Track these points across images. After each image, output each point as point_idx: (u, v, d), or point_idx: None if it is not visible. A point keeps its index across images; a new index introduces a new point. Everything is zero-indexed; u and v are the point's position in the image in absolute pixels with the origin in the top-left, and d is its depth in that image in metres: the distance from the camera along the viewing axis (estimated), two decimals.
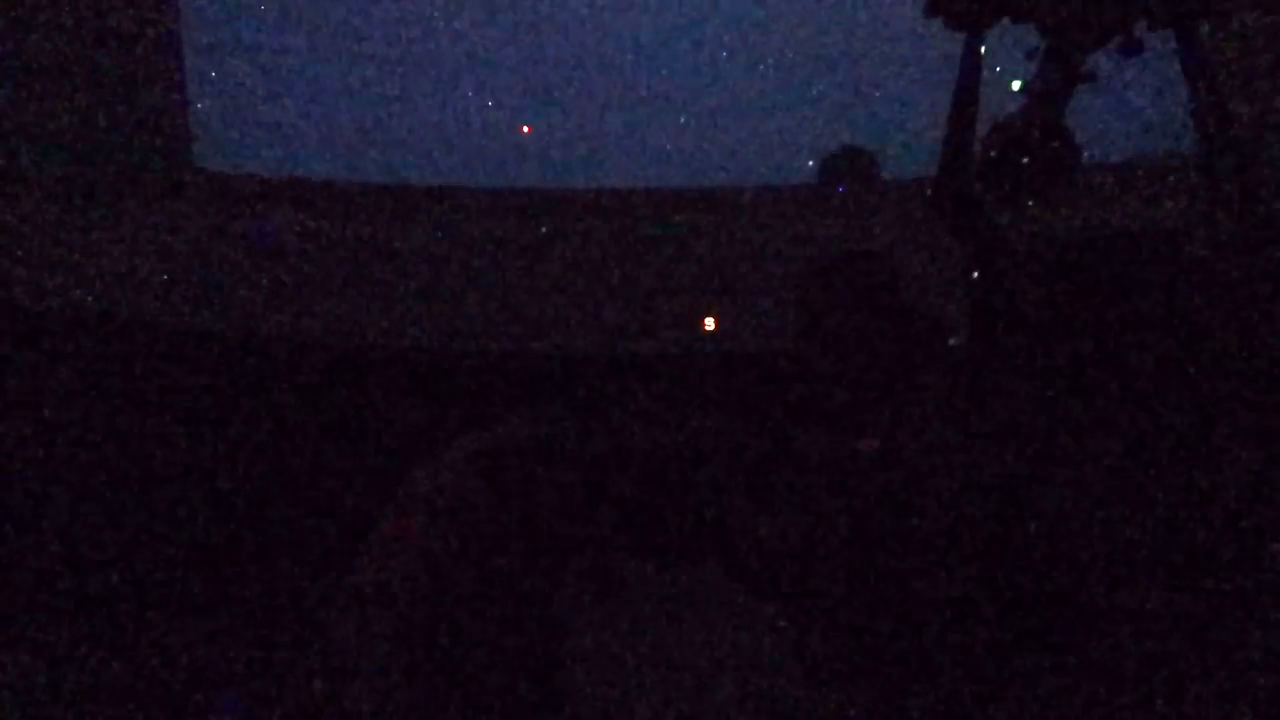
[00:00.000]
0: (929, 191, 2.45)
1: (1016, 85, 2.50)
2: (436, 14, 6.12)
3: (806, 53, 6.06)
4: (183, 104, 6.12)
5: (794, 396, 2.57)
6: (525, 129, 6.11)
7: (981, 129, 2.45)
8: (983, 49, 2.34)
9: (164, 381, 4.03)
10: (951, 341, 2.43)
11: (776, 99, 6.00)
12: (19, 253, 5.16)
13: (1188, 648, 1.91)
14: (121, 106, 5.88)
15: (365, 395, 4.08)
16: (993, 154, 2.43)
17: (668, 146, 5.79)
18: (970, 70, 2.33)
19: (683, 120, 5.75)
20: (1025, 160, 2.36)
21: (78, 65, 5.83)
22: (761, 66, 6.08)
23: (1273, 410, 1.93)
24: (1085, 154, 2.54)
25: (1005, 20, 2.40)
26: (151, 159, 6.01)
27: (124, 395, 3.99)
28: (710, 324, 4.81)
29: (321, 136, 6.19)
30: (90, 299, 4.92)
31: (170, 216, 5.91)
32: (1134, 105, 4.81)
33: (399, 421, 3.96)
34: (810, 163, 5.34)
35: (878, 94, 5.89)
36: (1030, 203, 2.43)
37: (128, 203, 5.85)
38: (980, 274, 2.34)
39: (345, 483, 3.77)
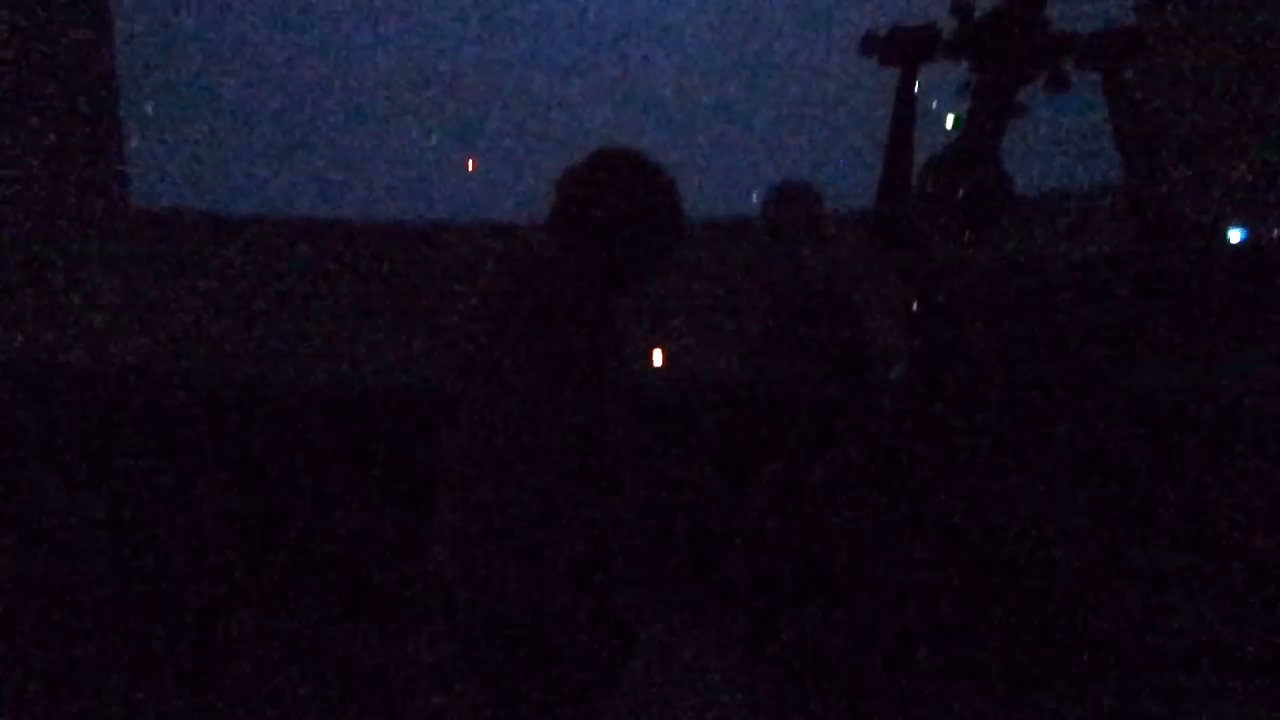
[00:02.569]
0: (869, 224, 2.50)
1: (950, 120, 2.57)
2: (375, 49, 6.12)
3: (747, 87, 6.16)
4: (118, 142, 6.03)
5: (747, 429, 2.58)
6: (470, 164, 6.11)
7: (918, 162, 2.51)
8: (916, 86, 2.40)
9: (104, 423, 3.94)
10: (892, 373, 2.47)
11: (717, 133, 6.08)
12: None
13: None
14: (56, 146, 5.79)
15: (308, 430, 4.01)
16: (929, 188, 2.48)
17: None
18: (904, 106, 2.39)
19: None
20: (960, 193, 2.41)
21: (11, 105, 5.74)
22: (702, 100, 6.16)
23: (1195, 432, 1.99)
24: (1018, 185, 2.61)
25: (938, 57, 2.46)
26: (87, 198, 5.91)
27: (64, 439, 3.90)
28: (659, 358, 4.82)
29: (259, 172, 6.14)
30: (26, 346, 4.82)
31: (107, 255, 5.81)
32: (1065, 137, 4.94)
33: (346, 456, 3.91)
34: (753, 196, 5.42)
35: (819, 127, 6.00)
36: (966, 235, 2.48)
37: (63, 242, 5.75)
38: (919, 305, 2.38)
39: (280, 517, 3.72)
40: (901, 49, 2.40)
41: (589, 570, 1.83)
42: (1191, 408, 1.96)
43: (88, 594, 3.53)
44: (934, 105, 2.65)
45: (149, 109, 6.02)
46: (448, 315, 5.19)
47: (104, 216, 5.93)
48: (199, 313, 5.53)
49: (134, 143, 6.05)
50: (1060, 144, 5.07)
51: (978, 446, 2.21)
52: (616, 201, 1.98)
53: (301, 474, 3.88)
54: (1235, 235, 2.31)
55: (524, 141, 5.80)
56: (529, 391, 1.85)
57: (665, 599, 2.04)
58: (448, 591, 1.88)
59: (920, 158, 2.51)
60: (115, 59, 5.95)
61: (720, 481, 2.41)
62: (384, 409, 4.08)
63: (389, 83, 6.14)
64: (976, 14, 2.42)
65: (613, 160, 2.04)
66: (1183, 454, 1.97)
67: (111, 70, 5.96)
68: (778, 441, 2.51)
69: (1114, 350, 2.12)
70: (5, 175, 5.70)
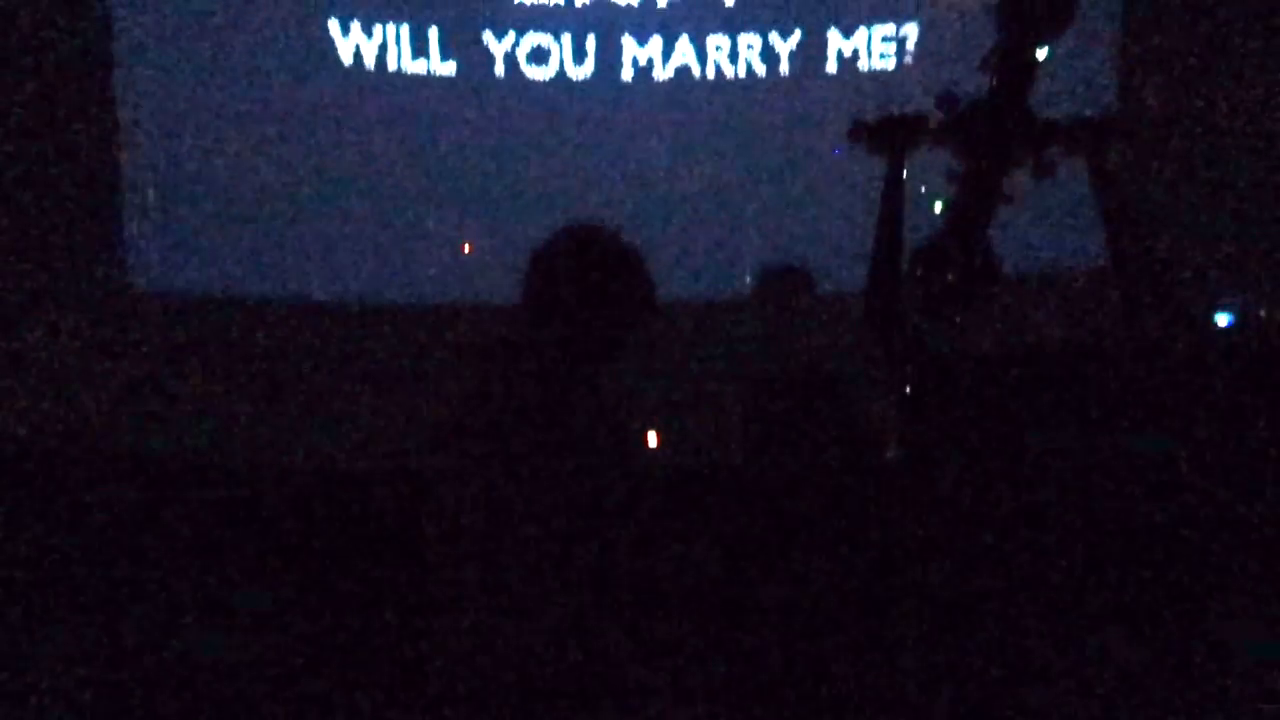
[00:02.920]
0: (862, 307, 2.52)
1: (939, 206, 2.61)
2: (372, 134, 6.23)
3: (740, 169, 6.27)
4: (118, 225, 6.10)
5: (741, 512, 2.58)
6: (466, 247, 6.18)
7: (908, 247, 2.54)
8: (904, 173, 2.45)
9: (105, 509, 3.92)
10: (888, 455, 2.48)
11: (710, 214, 6.17)
12: None
13: None
14: (56, 228, 5.85)
15: (308, 516, 3.99)
16: (919, 272, 2.51)
17: None
18: (893, 192, 2.43)
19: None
20: (950, 278, 2.44)
21: (12, 186, 5.82)
22: (695, 183, 6.26)
23: (1186, 509, 1.99)
24: (1008, 267, 2.64)
25: (924, 145, 2.51)
26: (86, 281, 5.95)
27: (66, 524, 3.87)
28: (653, 440, 4.81)
29: (258, 254, 6.20)
30: (23, 428, 4.82)
31: (105, 338, 5.83)
32: (1053, 218, 5.02)
33: (346, 541, 3.88)
34: (746, 277, 5.47)
35: (811, 210, 6.09)
36: (956, 318, 2.50)
37: (62, 325, 5.77)
38: (911, 387, 2.40)
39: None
40: (889, 137, 2.45)
41: (580, 641, 1.83)
42: (1183, 491, 1.96)
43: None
44: (923, 190, 2.70)
45: (150, 194, 6.11)
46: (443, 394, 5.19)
47: (102, 298, 5.98)
48: (195, 394, 5.53)
49: (134, 226, 6.12)
50: (1050, 223, 5.15)
51: (972, 527, 2.21)
52: (579, 278, 1.99)
53: (294, 553, 3.84)
54: (1223, 319, 2.34)
55: (521, 223, 5.87)
56: (505, 471, 1.85)
57: (655, 671, 2.01)
58: (442, 663, 1.88)
59: (911, 242, 2.55)
60: (118, 145, 6.06)
61: (715, 563, 2.39)
62: (381, 489, 4.07)
63: (386, 167, 6.24)
64: (961, 103, 2.48)
65: (576, 237, 2.06)
66: (1173, 537, 1.97)
67: (115, 159, 6.06)
68: (772, 525, 2.50)
69: (1105, 432, 2.13)
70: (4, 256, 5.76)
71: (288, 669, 3.47)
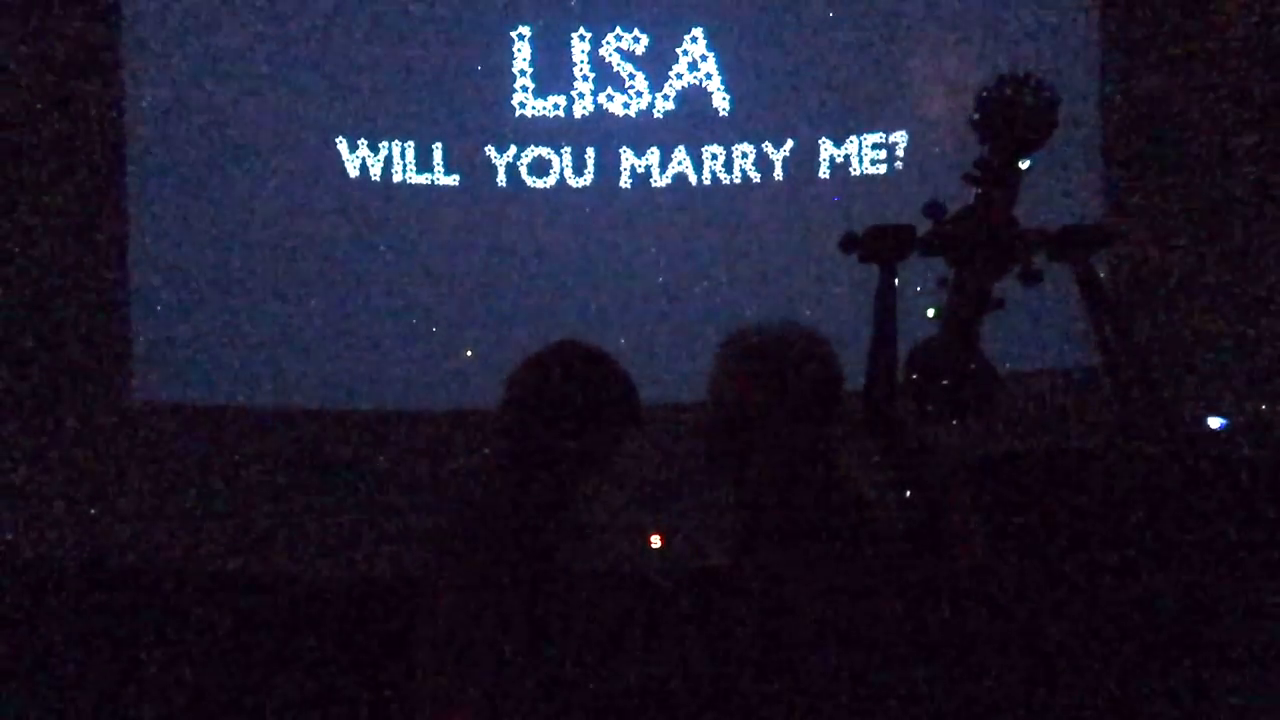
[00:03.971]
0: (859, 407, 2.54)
1: (931, 312, 2.66)
2: (376, 243, 6.35)
3: (737, 269, 6.38)
4: (126, 339, 6.17)
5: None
6: (468, 353, 6.24)
7: (902, 352, 2.58)
8: (895, 281, 2.50)
9: (109, 619, 3.90)
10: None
11: (708, 316, 6.25)
12: None
13: None
14: (65, 344, 5.92)
15: (313, 624, 3.96)
16: (914, 376, 2.55)
17: None
18: (885, 300, 2.48)
19: (620, 340, 5.94)
20: (944, 383, 2.47)
21: (21, 296, 5.90)
22: (693, 285, 6.36)
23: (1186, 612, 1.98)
24: (1001, 369, 2.68)
25: (913, 255, 2.57)
26: (90, 393, 5.99)
27: (69, 635, 3.84)
28: (657, 542, 4.80)
29: (258, 365, 6.25)
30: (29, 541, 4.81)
31: (109, 449, 5.85)
32: (1046, 320, 5.08)
33: (349, 654, 3.84)
34: None
35: (806, 311, 6.18)
36: (952, 423, 2.53)
37: (66, 437, 5.80)
38: (909, 490, 2.41)
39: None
40: (878, 248, 2.50)
41: None
42: (1182, 605, 1.96)
43: None
44: (918, 289, 2.75)
45: (158, 306, 6.19)
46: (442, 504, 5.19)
47: (107, 410, 6.01)
48: (196, 504, 5.53)
49: (142, 338, 6.20)
50: (1045, 325, 5.21)
51: (963, 630, 2.20)
52: (560, 395, 2.02)
53: (292, 664, 3.80)
54: (1215, 423, 2.36)
55: (524, 328, 5.95)
56: (491, 582, 1.87)
57: None
58: None
59: (906, 346, 2.59)
60: (128, 259, 6.18)
61: (715, 664, 2.36)
62: (376, 598, 4.04)
63: (391, 275, 6.35)
64: (948, 212, 2.55)
65: (560, 355, 2.09)
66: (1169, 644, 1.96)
67: (124, 270, 6.16)
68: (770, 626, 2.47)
69: (1099, 538, 2.14)
70: (12, 366, 5.81)
71: None
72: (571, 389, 2.01)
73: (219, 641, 3.88)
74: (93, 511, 5.44)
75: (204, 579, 4.30)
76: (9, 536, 4.84)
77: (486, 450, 2.12)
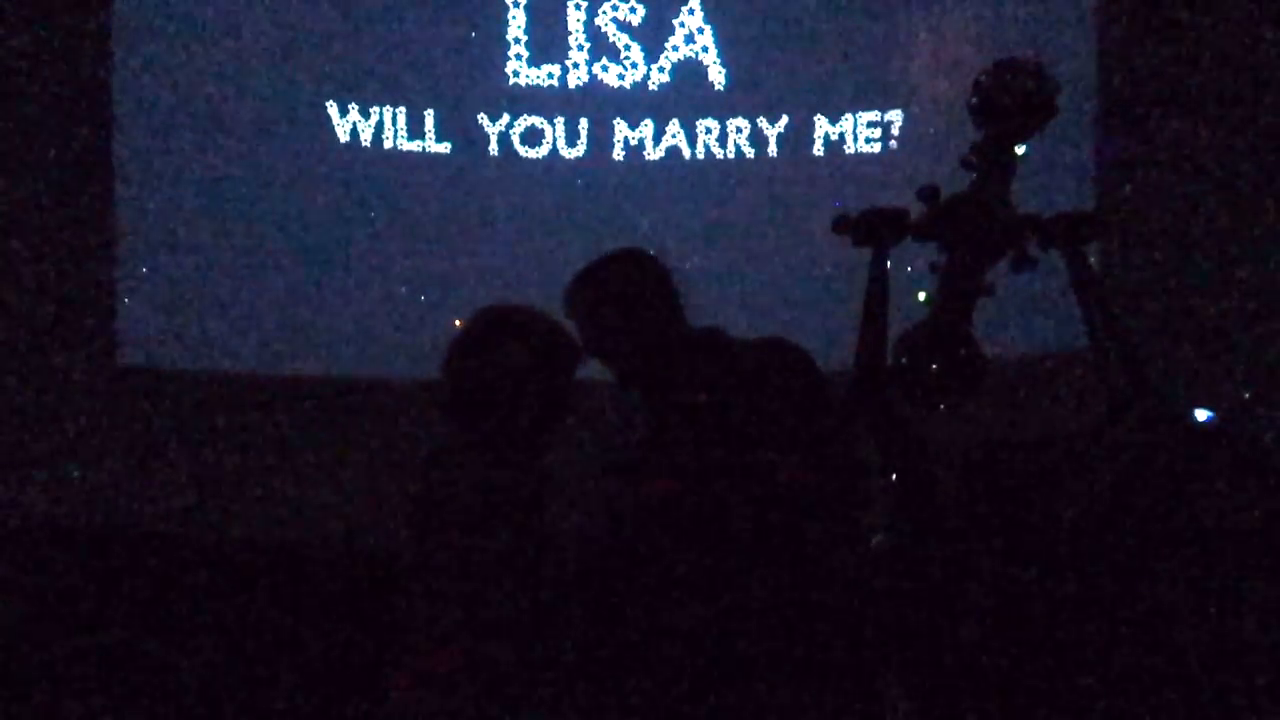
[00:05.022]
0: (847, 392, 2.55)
1: (922, 296, 2.67)
2: (366, 208, 6.31)
3: (729, 245, 6.36)
4: (111, 304, 6.12)
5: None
6: (456, 322, 6.21)
7: (893, 336, 2.59)
8: (888, 265, 2.50)
9: (93, 586, 3.90)
10: (874, 540, 2.48)
11: (699, 292, 6.22)
12: None
13: None
14: (50, 308, 5.87)
15: (298, 592, 3.97)
16: (903, 360, 2.55)
17: None
18: (877, 284, 2.48)
19: None
20: (934, 367, 2.48)
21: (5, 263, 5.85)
22: (684, 261, 6.33)
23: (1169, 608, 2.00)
24: (990, 353, 2.69)
25: (907, 238, 2.57)
26: (75, 358, 5.95)
27: (55, 602, 3.84)
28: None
29: (245, 331, 6.21)
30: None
31: (94, 413, 5.82)
32: (1038, 305, 5.09)
33: (333, 620, 3.85)
34: None
35: (797, 290, 6.17)
36: (941, 405, 2.54)
37: (50, 403, 5.77)
38: (897, 474, 2.42)
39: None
40: (871, 230, 2.50)
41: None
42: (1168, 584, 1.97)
43: None
44: (909, 270, 2.75)
45: (143, 268, 6.14)
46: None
47: (90, 373, 5.98)
48: (182, 471, 5.51)
49: (126, 301, 6.15)
50: (1034, 309, 5.22)
51: (955, 615, 2.21)
52: (495, 361, 2.00)
53: (276, 628, 3.82)
54: (1202, 415, 2.38)
55: (513, 300, 5.91)
56: (466, 556, 1.87)
57: None
58: None
59: (896, 329, 2.59)
60: (115, 218, 6.11)
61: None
62: (361, 568, 4.05)
63: (378, 242, 6.31)
64: (942, 198, 2.55)
65: (481, 325, 2.07)
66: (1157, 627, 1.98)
67: (112, 232, 6.11)
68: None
69: (1088, 524, 2.15)
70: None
71: None
72: (503, 352, 2.00)
73: (197, 605, 3.88)
74: (76, 475, 5.43)
75: (186, 544, 4.29)
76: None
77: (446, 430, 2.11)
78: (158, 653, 3.70)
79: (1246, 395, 5.06)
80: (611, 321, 2.11)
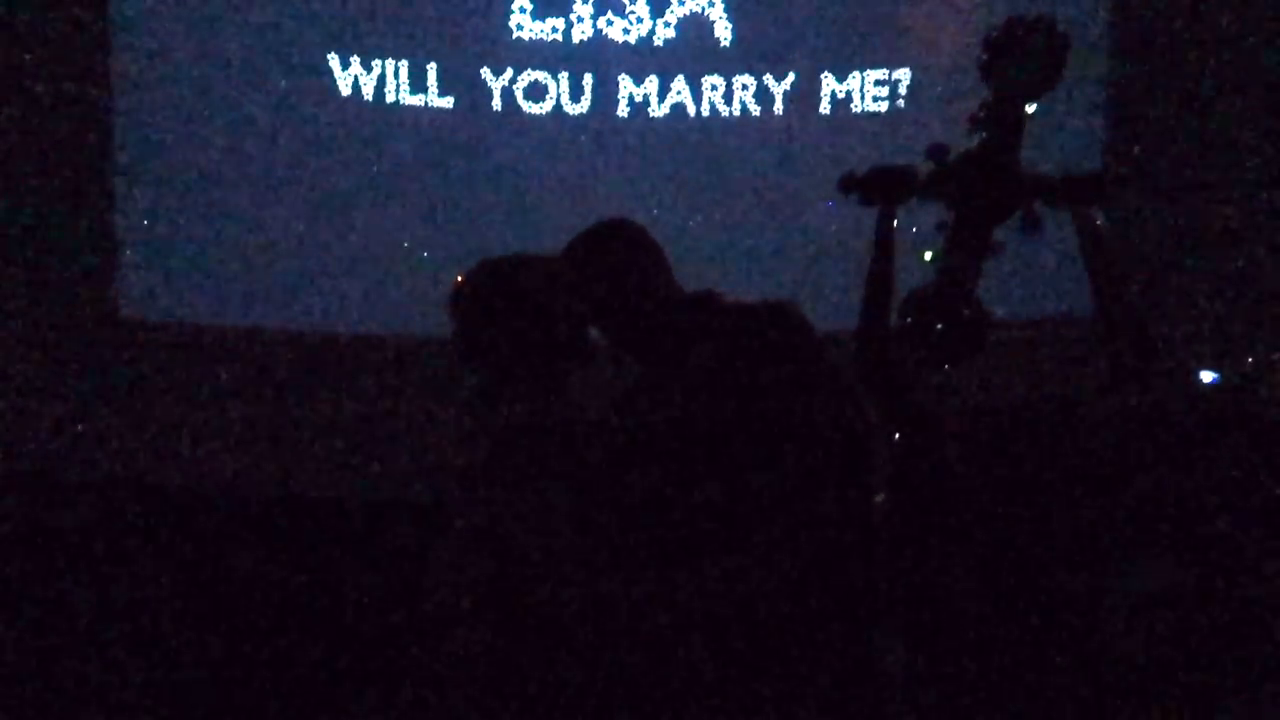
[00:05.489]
0: (851, 353, 2.53)
1: (929, 256, 2.64)
2: (370, 163, 6.26)
3: (732, 206, 6.32)
4: (111, 254, 6.10)
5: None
6: (459, 278, 6.19)
7: (898, 295, 2.57)
8: (894, 224, 2.48)
9: (94, 537, 3.92)
10: (878, 498, 2.48)
11: (702, 251, 6.20)
12: None
13: None
14: (50, 257, 5.85)
15: (295, 546, 3.99)
16: (908, 320, 2.54)
17: None
18: (883, 243, 2.45)
19: None
20: (939, 328, 2.47)
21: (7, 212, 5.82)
22: (688, 219, 6.30)
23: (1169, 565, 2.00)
24: (996, 314, 2.67)
25: (914, 198, 2.54)
26: (76, 310, 5.94)
27: (56, 553, 3.86)
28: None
29: (244, 285, 6.20)
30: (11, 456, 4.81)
31: (96, 367, 5.82)
32: (1044, 267, 5.07)
33: (332, 571, 3.87)
34: None
35: (802, 248, 6.14)
36: (945, 367, 2.53)
37: (51, 355, 5.77)
38: (899, 435, 2.41)
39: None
40: (879, 189, 2.47)
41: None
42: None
43: None
44: (915, 230, 2.72)
45: (144, 223, 6.11)
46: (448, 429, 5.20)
47: (92, 325, 5.97)
48: (183, 424, 5.52)
49: (127, 252, 6.13)
50: (1041, 271, 5.19)
51: (955, 575, 2.22)
52: (501, 311, 1.96)
53: (285, 586, 3.84)
54: (1207, 377, 2.36)
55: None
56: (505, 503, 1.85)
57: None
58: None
59: (902, 289, 2.57)
60: (114, 168, 6.08)
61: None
62: (371, 521, 4.07)
63: (380, 196, 6.27)
64: (950, 157, 2.51)
65: (482, 276, 2.04)
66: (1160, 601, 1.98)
67: (110, 179, 6.07)
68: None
69: (1091, 483, 2.15)
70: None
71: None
72: (509, 300, 1.97)
73: (199, 557, 3.90)
74: (79, 427, 5.44)
75: (187, 495, 4.31)
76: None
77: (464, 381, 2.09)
78: (157, 603, 3.73)
79: (1251, 359, 5.04)
80: (603, 292, 2.09)
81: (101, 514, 4.01)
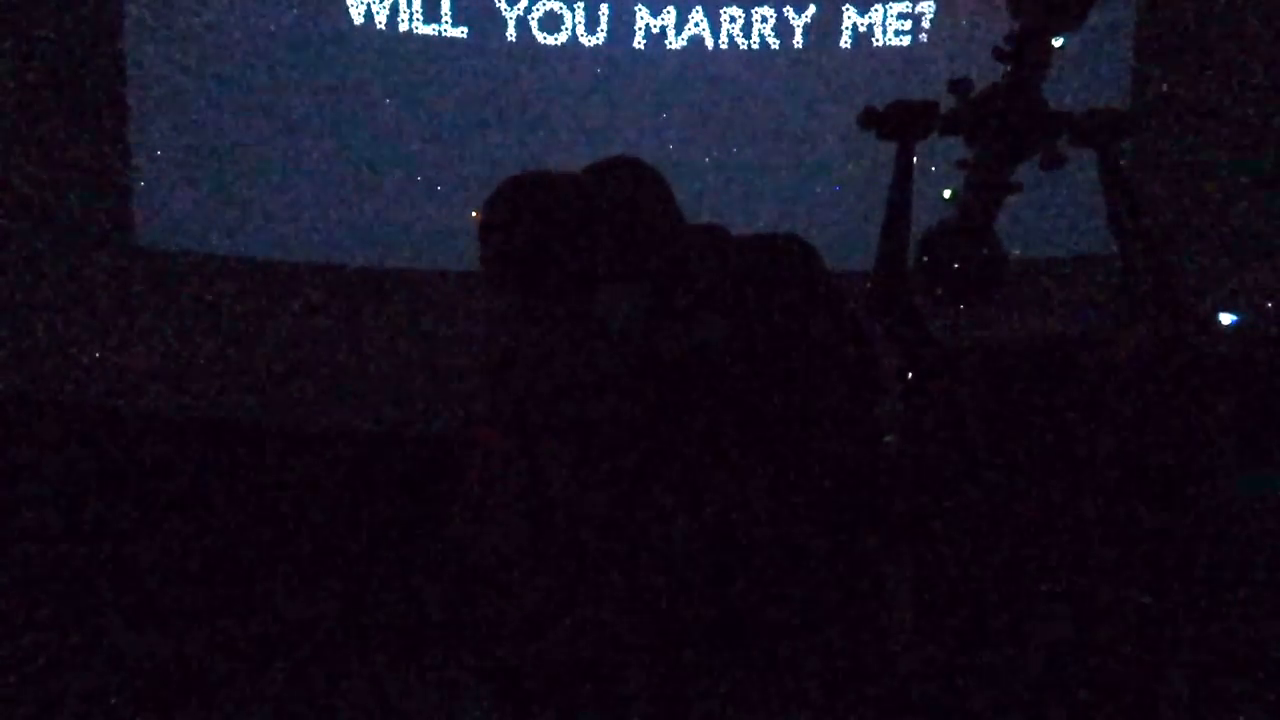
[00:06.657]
0: (867, 291, 2.51)
1: (947, 193, 2.60)
2: (385, 102, 6.20)
3: (751, 139, 6.23)
4: (126, 181, 6.08)
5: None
6: (475, 214, 6.16)
7: (916, 234, 2.53)
8: (914, 160, 2.43)
9: (104, 463, 3.95)
10: (887, 439, 2.48)
11: (719, 186, 6.14)
12: None
13: None
14: (66, 184, 5.83)
15: (317, 477, 4.01)
16: (925, 259, 2.51)
17: None
18: (902, 179, 2.40)
19: None
20: (956, 266, 2.44)
21: (22, 141, 5.79)
22: (704, 154, 6.23)
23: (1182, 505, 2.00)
24: (1014, 254, 2.64)
25: (935, 133, 2.49)
26: (93, 238, 5.94)
27: (63, 479, 3.90)
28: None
29: (258, 216, 6.18)
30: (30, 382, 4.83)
31: (113, 294, 5.84)
32: (1063, 206, 5.01)
33: (349, 506, 3.90)
34: None
35: (820, 185, 6.08)
36: (962, 306, 2.51)
37: (68, 282, 5.78)
38: (914, 375, 2.40)
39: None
40: (899, 124, 2.41)
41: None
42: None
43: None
44: (934, 169, 2.68)
45: (159, 150, 6.08)
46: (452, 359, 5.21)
47: (108, 253, 5.98)
48: (197, 351, 5.55)
49: (142, 183, 6.11)
50: (1062, 209, 5.14)
51: (968, 515, 2.22)
52: (536, 223, 1.92)
53: (302, 515, 3.87)
54: (1227, 319, 2.34)
55: None
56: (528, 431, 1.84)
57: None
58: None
59: (919, 227, 2.54)
60: (128, 100, 6.03)
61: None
62: (388, 451, 4.09)
63: (393, 128, 6.22)
64: (974, 89, 2.46)
65: (515, 190, 2.00)
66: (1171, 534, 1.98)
67: (125, 111, 6.03)
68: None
69: (1106, 425, 2.14)
70: (14, 204, 5.75)
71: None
72: (538, 211, 1.94)
73: (214, 488, 3.93)
74: (97, 355, 5.47)
75: (205, 426, 4.34)
76: (13, 379, 4.87)
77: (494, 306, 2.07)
78: (173, 536, 3.77)
79: (1270, 303, 4.99)
80: (611, 225, 2.08)
81: (114, 441, 4.04)
